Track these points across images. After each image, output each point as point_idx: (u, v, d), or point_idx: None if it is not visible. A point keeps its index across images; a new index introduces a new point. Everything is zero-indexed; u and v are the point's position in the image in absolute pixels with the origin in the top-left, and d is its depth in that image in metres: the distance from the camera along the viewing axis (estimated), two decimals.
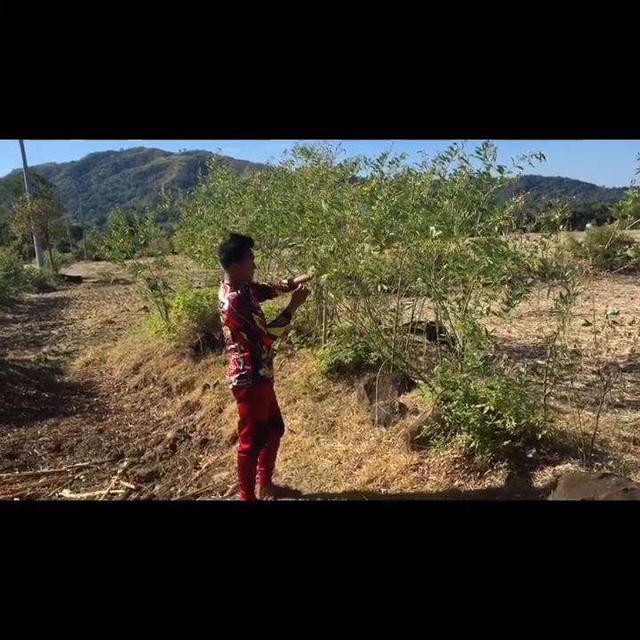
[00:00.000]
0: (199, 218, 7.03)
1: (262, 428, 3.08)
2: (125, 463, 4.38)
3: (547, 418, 3.03)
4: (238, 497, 3.31)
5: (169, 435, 4.87)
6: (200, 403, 5.38)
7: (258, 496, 3.24)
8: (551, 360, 3.10)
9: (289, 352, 5.35)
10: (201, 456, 4.41)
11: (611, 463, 2.79)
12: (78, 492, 3.94)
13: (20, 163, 27.67)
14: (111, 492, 3.86)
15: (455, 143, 3.20)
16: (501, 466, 2.86)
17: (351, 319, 4.59)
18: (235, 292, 2.89)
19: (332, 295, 4.26)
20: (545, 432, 2.87)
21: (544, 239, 2.80)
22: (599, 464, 2.78)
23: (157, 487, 3.96)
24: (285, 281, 3.33)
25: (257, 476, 3.25)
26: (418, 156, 3.59)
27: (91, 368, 7.70)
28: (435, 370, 3.56)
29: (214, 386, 5.45)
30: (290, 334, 5.06)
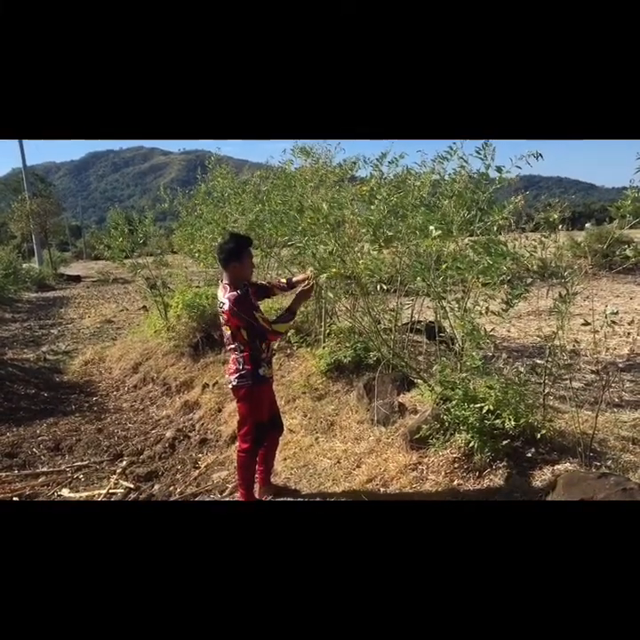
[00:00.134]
0: (198, 217, 7.02)
1: (261, 428, 3.08)
2: (124, 462, 4.38)
3: (546, 417, 3.03)
4: (237, 496, 3.32)
5: (168, 434, 4.87)
6: (199, 402, 5.38)
7: (257, 495, 3.24)
8: (550, 360, 3.10)
9: (288, 351, 5.35)
10: (200, 455, 4.41)
11: (609, 463, 2.79)
12: (77, 492, 3.94)
13: (20, 162, 27.67)
14: (110, 491, 3.86)
15: (454, 143, 3.20)
16: (500, 465, 2.86)
17: (350, 319, 4.59)
18: (234, 292, 2.89)
19: (332, 295, 4.26)
20: (544, 431, 2.87)
21: (543, 239, 2.80)
22: (598, 463, 2.78)
23: (156, 486, 3.96)
24: (284, 280, 3.33)
25: (256, 475, 3.25)
26: (417, 155, 3.59)
27: (90, 367, 7.69)
28: (434, 369, 3.56)
29: (213, 385, 5.45)
30: (289, 334, 5.06)
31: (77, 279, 21.30)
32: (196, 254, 6.89)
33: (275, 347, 4.68)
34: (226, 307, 2.90)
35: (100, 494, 3.82)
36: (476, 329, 3.02)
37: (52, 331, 10.59)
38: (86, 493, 3.89)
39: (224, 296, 2.93)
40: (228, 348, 3.07)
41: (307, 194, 4.19)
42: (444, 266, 3.09)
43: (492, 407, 2.87)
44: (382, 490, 3.05)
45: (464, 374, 3.19)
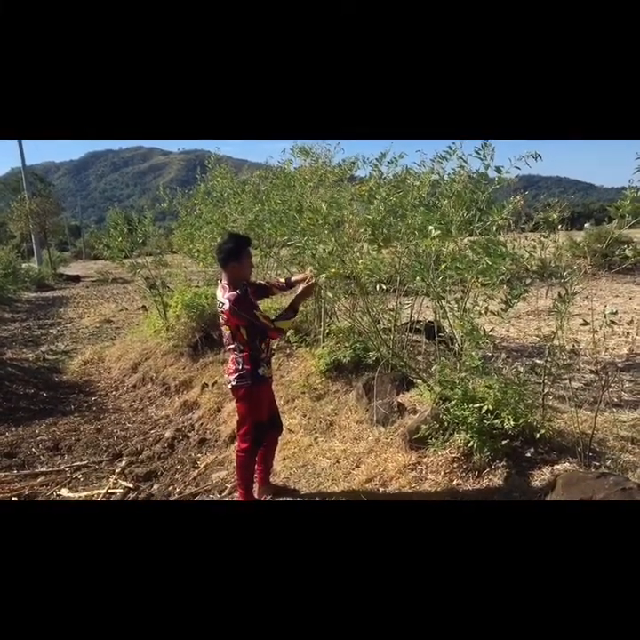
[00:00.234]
0: (198, 217, 7.01)
1: (261, 428, 3.08)
2: (124, 462, 4.38)
3: (545, 417, 3.03)
4: (236, 496, 3.32)
5: (167, 434, 4.87)
6: (198, 402, 5.38)
7: (256, 495, 3.25)
8: (549, 359, 3.10)
9: (287, 351, 5.35)
10: (199, 455, 4.41)
11: (609, 462, 2.80)
12: (76, 492, 3.94)
13: (19, 161, 27.66)
14: (109, 491, 3.86)
15: (454, 143, 3.20)
16: (499, 465, 2.86)
17: (350, 318, 4.59)
18: (234, 292, 2.89)
19: (331, 294, 4.25)
20: (543, 431, 2.87)
21: (542, 239, 2.80)
22: (597, 463, 2.78)
23: (156, 486, 3.96)
24: (283, 280, 3.33)
25: (255, 475, 3.25)
26: (416, 155, 3.59)
27: (89, 367, 7.69)
28: (433, 369, 3.56)
29: (213, 385, 5.45)
30: (289, 334, 5.06)
31: (76, 279, 21.31)
32: (196, 254, 6.89)
33: (274, 347, 4.68)
34: (226, 306, 2.90)
35: (99, 494, 3.82)
36: (475, 329, 3.02)
37: (51, 330, 10.59)
38: (85, 493, 3.89)
39: (223, 296, 2.93)
40: (228, 347, 3.07)
41: (306, 194, 4.19)
42: (443, 266, 3.09)
43: (491, 407, 2.87)
44: (381, 490, 3.05)
45: (463, 374, 3.20)
